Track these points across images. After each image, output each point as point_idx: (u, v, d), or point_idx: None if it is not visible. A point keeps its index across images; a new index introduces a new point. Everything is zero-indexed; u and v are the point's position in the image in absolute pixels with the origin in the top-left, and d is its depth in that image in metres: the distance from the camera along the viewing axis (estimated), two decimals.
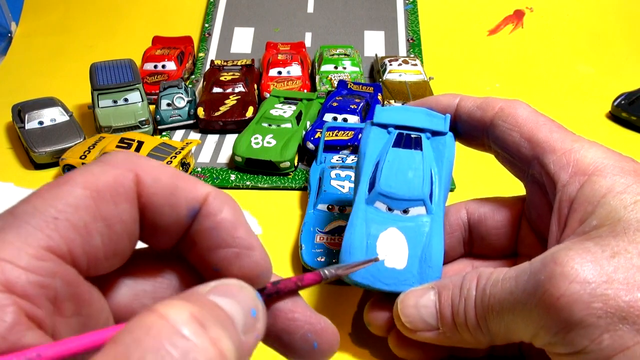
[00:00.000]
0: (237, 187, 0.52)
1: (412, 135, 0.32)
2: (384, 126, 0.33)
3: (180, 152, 0.50)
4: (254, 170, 0.53)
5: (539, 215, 0.29)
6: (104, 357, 0.13)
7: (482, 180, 0.51)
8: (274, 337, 0.21)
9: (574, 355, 0.21)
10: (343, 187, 0.44)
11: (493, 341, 0.25)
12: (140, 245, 0.20)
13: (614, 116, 0.64)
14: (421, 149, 0.32)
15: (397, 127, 0.33)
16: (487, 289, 0.24)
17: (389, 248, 0.29)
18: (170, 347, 0.13)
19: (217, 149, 0.57)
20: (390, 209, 0.31)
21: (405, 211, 0.30)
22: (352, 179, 0.44)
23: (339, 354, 0.34)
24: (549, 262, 0.22)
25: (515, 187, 0.32)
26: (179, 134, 0.60)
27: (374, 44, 0.78)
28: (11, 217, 0.16)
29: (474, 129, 0.31)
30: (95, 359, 0.13)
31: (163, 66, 0.70)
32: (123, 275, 0.19)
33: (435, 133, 0.32)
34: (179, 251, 0.20)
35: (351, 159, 0.49)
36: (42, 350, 0.14)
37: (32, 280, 0.15)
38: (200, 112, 0.59)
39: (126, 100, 0.59)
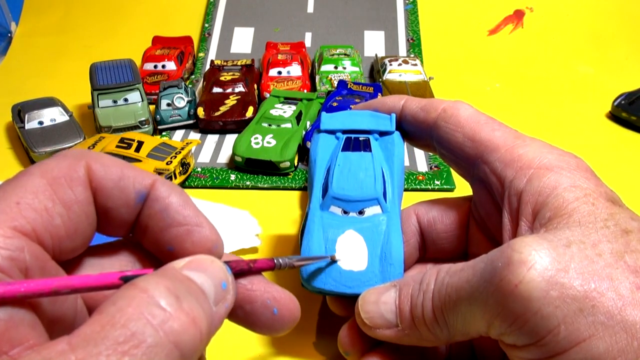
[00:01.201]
0: (237, 187, 0.52)
1: (360, 138, 0.33)
2: (332, 132, 0.33)
3: (180, 152, 0.50)
4: (254, 170, 0.53)
5: (487, 214, 0.29)
6: (92, 324, 0.15)
7: None
8: (236, 308, 0.22)
9: (530, 347, 0.21)
10: None
11: (452, 337, 0.24)
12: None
13: (614, 116, 0.64)
14: (370, 150, 0.32)
15: (344, 131, 0.33)
16: (445, 280, 0.23)
17: (348, 250, 0.29)
18: (149, 316, 0.15)
19: (217, 149, 0.57)
20: (345, 212, 0.31)
21: (361, 212, 0.30)
22: None
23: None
24: (505, 249, 0.21)
25: None
26: (179, 134, 0.60)
27: (374, 44, 0.78)
28: None
29: (418, 131, 0.31)
30: (84, 327, 0.15)
31: (163, 66, 0.70)
32: (87, 256, 0.21)
33: (382, 133, 0.32)
34: (135, 239, 0.22)
35: None
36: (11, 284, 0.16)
37: (3, 254, 0.16)
38: (200, 112, 0.59)
39: (126, 100, 0.59)
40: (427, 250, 0.33)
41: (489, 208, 0.28)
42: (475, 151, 0.28)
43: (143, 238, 0.21)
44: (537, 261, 0.20)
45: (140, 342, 0.15)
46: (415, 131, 0.32)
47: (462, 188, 0.51)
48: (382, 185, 0.31)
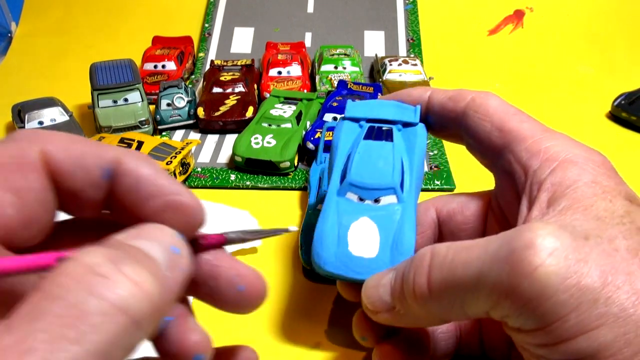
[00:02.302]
0: (237, 187, 0.52)
1: (383, 128, 0.33)
2: (356, 120, 0.33)
3: (180, 152, 0.50)
4: (254, 170, 0.53)
5: (507, 205, 0.29)
6: (29, 302, 0.14)
7: (482, 179, 0.51)
8: (200, 285, 0.21)
9: (536, 332, 0.21)
10: None
11: (445, 314, 0.24)
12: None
13: (614, 116, 0.64)
14: (392, 140, 0.32)
15: (368, 120, 0.33)
16: (449, 255, 0.23)
17: (361, 237, 0.29)
18: (89, 285, 0.15)
19: (217, 149, 0.57)
20: (361, 199, 0.31)
21: (377, 200, 0.30)
22: None
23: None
24: (525, 231, 0.21)
25: None
26: (179, 134, 0.60)
27: (374, 44, 0.78)
28: None
29: (446, 120, 0.31)
30: (22, 305, 0.14)
31: (163, 66, 0.70)
32: (59, 245, 0.20)
33: (406, 124, 0.33)
34: (115, 219, 0.21)
35: None
36: None
37: None
38: (200, 112, 0.59)
39: (126, 100, 0.59)
40: (444, 242, 0.33)
41: (509, 198, 0.28)
42: (503, 140, 0.28)
43: (122, 217, 0.20)
44: (558, 248, 0.20)
45: (82, 312, 0.14)
46: (442, 121, 0.32)
47: (462, 188, 0.51)
48: (400, 176, 0.31)
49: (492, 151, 0.29)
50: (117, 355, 0.15)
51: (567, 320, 0.20)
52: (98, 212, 0.21)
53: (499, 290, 0.21)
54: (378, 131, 0.33)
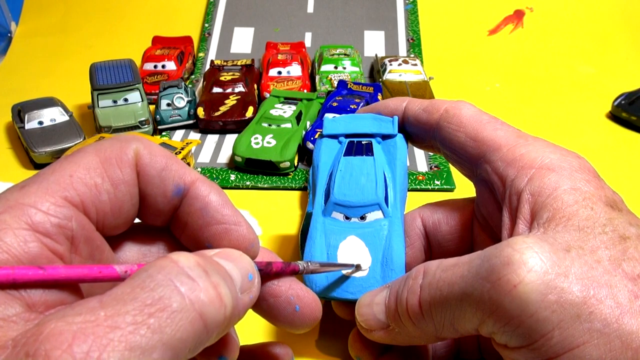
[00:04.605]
0: (237, 187, 0.52)
1: (362, 142, 0.33)
2: (335, 137, 0.33)
3: (180, 152, 0.50)
4: (254, 170, 0.53)
5: (489, 214, 0.28)
6: (123, 287, 0.16)
7: None
8: (260, 300, 0.23)
9: (521, 350, 0.21)
10: None
11: (439, 333, 0.24)
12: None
13: (614, 116, 0.64)
14: (372, 154, 0.32)
15: (347, 135, 0.33)
16: (437, 274, 0.23)
17: (350, 256, 0.29)
18: (178, 283, 0.16)
19: (217, 149, 0.57)
20: (347, 218, 0.31)
21: (363, 218, 0.30)
22: None
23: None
24: (505, 247, 0.21)
25: None
26: (179, 134, 0.60)
27: (374, 44, 0.78)
28: (35, 176, 0.19)
29: (421, 132, 0.31)
30: (116, 288, 0.16)
31: (163, 66, 0.70)
32: (128, 240, 0.23)
33: (385, 136, 0.32)
34: (173, 234, 0.23)
35: None
36: (49, 268, 0.17)
37: (52, 221, 0.18)
38: (200, 112, 0.59)
39: (126, 100, 0.59)
40: (433, 252, 0.32)
41: (491, 208, 0.28)
42: (478, 151, 0.27)
43: (182, 234, 0.22)
44: (537, 263, 0.20)
45: (166, 306, 0.16)
46: (418, 132, 0.32)
47: (462, 188, 0.51)
48: (383, 190, 0.31)
49: (469, 162, 0.28)
50: (184, 354, 0.16)
51: (550, 337, 0.20)
52: (161, 224, 0.23)
53: (483, 308, 0.21)
54: (358, 146, 0.32)
